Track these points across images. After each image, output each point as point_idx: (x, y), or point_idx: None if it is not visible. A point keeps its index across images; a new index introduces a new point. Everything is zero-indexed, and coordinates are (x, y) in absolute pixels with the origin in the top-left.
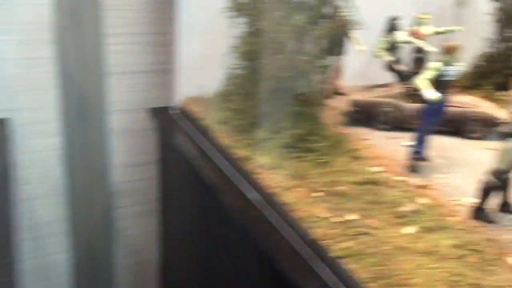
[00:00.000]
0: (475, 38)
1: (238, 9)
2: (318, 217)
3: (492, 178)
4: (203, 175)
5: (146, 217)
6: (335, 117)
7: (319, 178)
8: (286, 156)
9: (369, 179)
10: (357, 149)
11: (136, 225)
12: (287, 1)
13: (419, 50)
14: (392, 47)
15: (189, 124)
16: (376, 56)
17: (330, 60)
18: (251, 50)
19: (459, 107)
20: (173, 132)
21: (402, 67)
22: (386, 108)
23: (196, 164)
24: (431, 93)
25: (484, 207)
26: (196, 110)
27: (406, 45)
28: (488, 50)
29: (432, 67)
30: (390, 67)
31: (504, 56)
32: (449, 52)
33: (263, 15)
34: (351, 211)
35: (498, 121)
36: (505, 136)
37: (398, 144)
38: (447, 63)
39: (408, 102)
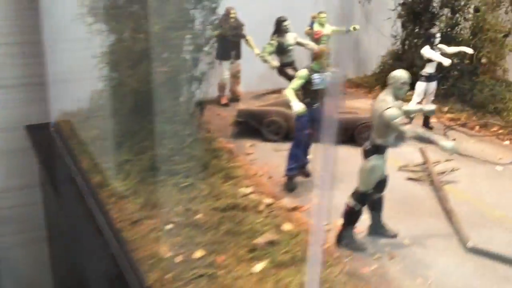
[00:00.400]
0: (382, 35)
1: (93, 14)
2: (160, 257)
3: (352, 201)
4: (73, 202)
5: (34, 245)
6: (224, 128)
7: (177, 206)
8: (146, 181)
9: (235, 204)
10: (233, 167)
11: (23, 255)
12: (144, 6)
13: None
14: (282, 50)
15: (62, 143)
16: (263, 61)
17: (209, 66)
18: (117, 61)
19: (353, 113)
20: (52, 151)
21: (291, 72)
22: (273, 118)
23: (68, 189)
24: (296, 105)
25: (349, 233)
26: (67, 127)
27: (303, 47)
28: (395, 47)
29: (299, 76)
30: (282, 72)
31: (409, 53)
32: (317, 58)
33: (122, 22)
34: (201, 246)
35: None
36: (367, 154)
37: (285, 158)
38: (315, 70)
39: None
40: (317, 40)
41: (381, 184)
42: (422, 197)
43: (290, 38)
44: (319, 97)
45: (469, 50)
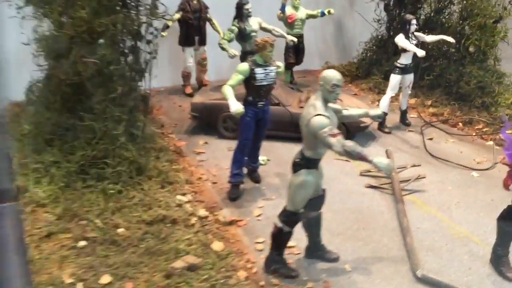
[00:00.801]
0: (365, 20)
1: None
2: (59, 282)
3: (280, 222)
4: None
5: None
6: (182, 122)
7: (98, 217)
8: (70, 187)
9: (165, 216)
10: (176, 170)
11: None
12: None
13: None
14: (244, 37)
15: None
16: (221, 49)
17: (151, 56)
18: (49, 49)
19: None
20: None
21: None
22: (229, 113)
23: None
24: (233, 104)
25: (278, 257)
26: (9, 120)
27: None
28: (378, 32)
29: (239, 70)
30: (244, 60)
31: (393, 39)
32: (260, 50)
33: (50, 4)
34: (113, 269)
35: (363, 125)
36: (295, 167)
37: None
38: (258, 64)
39: None
40: (290, 24)
41: (317, 201)
42: (379, 209)
43: (254, 23)
44: (264, 95)
45: (450, 39)
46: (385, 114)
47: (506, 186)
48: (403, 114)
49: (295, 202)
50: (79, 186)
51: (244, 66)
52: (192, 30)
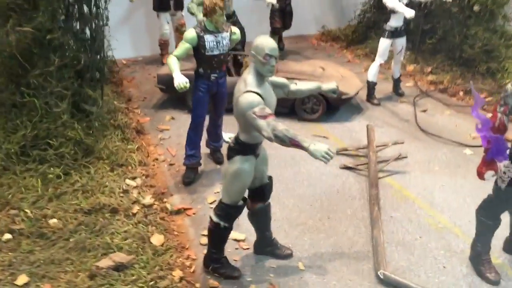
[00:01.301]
0: None
1: None
2: None
3: (215, 216)
4: None
5: None
6: (152, 94)
7: (32, 206)
8: (9, 170)
9: (105, 204)
10: (131, 150)
11: None
12: None
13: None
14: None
15: None
16: (190, 13)
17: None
18: None
19: (296, 79)
20: None
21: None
22: None
23: None
24: (177, 77)
25: (217, 255)
26: None
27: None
28: None
29: (185, 38)
30: None
31: None
32: (209, 13)
33: None
34: (33, 267)
35: (345, 97)
36: (229, 154)
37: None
38: (208, 30)
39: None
40: None
41: (262, 191)
42: (350, 194)
43: None
44: (216, 66)
45: None
46: (374, 83)
47: (480, 175)
48: (396, 83)
49: (231, 194)
50: (18, 170)
51: (191, 33)
52: None
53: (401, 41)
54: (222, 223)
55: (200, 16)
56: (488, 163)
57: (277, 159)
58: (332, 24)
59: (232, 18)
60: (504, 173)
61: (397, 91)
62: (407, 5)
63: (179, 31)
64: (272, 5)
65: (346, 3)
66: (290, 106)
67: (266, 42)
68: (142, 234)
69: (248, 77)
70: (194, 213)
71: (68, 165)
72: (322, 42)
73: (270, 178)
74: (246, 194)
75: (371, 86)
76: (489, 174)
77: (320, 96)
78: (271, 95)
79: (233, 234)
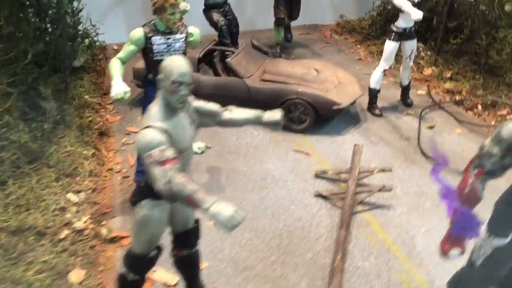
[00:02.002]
0: None
1: None
2: None
3: (123, 267)
4: None
5: None
6: (131, 90)
7: None
8: None
9: (33, 225)
10: (85, 157)
11: None
12: None
13: None
14: None
15: None
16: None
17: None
18: None
19: (284, 83)
20: None
21: (216, 16)
22: None
23: None
24: (116, 85)
25: None
26: None
27: None
28: None
29: (131, 39)
30: (206, 15)
31: None
32: (158, 11)
33: None
34: None
35: (336, 107)
36: (135, 196)
37: None
38: (158, 31)
39: (209, 70)
40: None
41: (188, 237)
42: (317, 232)
43: None
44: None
45: None
46: (377, 91)
47: (443, 251)
48: (404, 91)
49: (139, 243)
50: None
51: (138, 33)
52: None
53: (411, 44)
54: (131, 275)
55: (183, 4)
56: (453, 238)
57: (245, 179)
58: (353, 14)
59: (223, 8)
60: (481, 246)
61: (405, 100)
62: (419, 3)
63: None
64: None
65: None
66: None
67: (175, 65)
68: (61, 267)
69: (154, 108)
70: (129, 243)
71: (5, 173)
72: (336, 34)
73: (197, 221)
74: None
75: (373, 94)
76: (454, 253)
77: (309, 104)
78: (186, 129)
79: (164, 277)
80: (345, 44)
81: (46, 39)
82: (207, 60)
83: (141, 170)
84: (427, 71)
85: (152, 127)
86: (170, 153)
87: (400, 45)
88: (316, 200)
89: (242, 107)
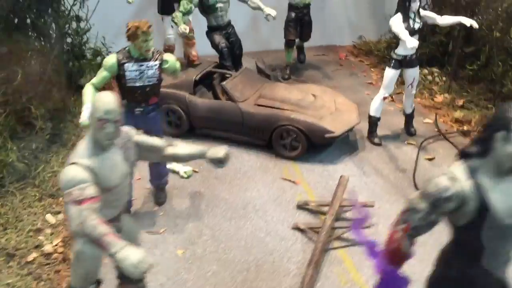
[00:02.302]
0: None
1: None
2: None
3: None
4: None
5: None
6: None
7: None
8: None
9: (5, 246)
10: None
11: None
12: None
13: None
14: (206, 8)
15: None
16: (174, 23)
17: None
18: None
19: (277, 108)
20: None
21: (217, 39)
22: (171, 105)
23: None
24: (83, 114)
25: None
26: None
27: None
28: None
29: (104, 65)
30: (208, 37)
31: (445, 11)
32: (130, 38)
33: None
34: None
35: (328, 135)
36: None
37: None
38: (132, 57)
39: (208, 93)
40: None
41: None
42: (285, 268)
43: None
44: (141, 99)
45: (471, 23)
46: (377, 119)
47: None
48: (408, 119)
49: (76, 277)
50: None
51: (111, 59)
52: None
53: (412, 72)
54: None
55: (182, 26)
56: None
57: (226, 207)
58: (372, 34)
59: (226, 30)
60: None
61: (408, 129)
62: (420, 30)
63: (185, 36)
64: (287, 15)
65: (390, 8)
66: (267, 139)
67: (102, 102)
68: None
69: (81, 145)
70: None
71: None
72: (352, 56)
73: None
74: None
75: (373, 122)
76: None
77: (301, 132)
78: (116, 166)
79: None
80: (359, 67)
81: (42, 59)
82: (208, 82)
83: None
84: (439, 98)
85: (76, 164)
86: (90, 192)
87: (402, 72)
88: (293, 232)
89: (236, 131)
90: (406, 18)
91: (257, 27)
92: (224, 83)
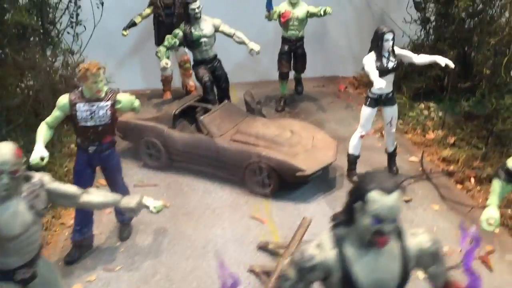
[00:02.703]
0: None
1: None
2: None
3: None
4: None
5: None
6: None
7: None
8: None
9: None
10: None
11: None
12: None
13: None
14: (191, 43)
15: None
16: (157, 57)
17: None
18: None
19: (252, 144)
20: None
21: (201, 72)
22: (151, 138)
23: None
24: (34, 152)
25: None
26: None
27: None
28: (412, 37)
29: (57, 105)
30: (194, 71)
31: (442, 45)
32: (81, 80)
33: None
34: None
35: (300, 174)
36: None
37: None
38: (85, 98)
39: (190, 126)
40: (284, 25)
41: None
42: None
43: (206, 26)
44: (93, 138)
45: (447, 62)
46: (355, 157)
47: None
48: (389, 158)
49: None
50: None
51: (63, 99)
52: (164, 28)
53: (390, 111)
54: None
55: (164, 60)
56: None
57: (187, 245)
58: None
59: (211, 64)
60: None
61: (390, 167)
62: (395, 68)
63: (182, 67)
64: (280, 47)
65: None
66: (241, 175)
67: None
68: None
69: None
70: None
71: None
72: (353, 88)
73: None
74: None
75: (351, 160)
76: None
77: (272, 169)
78: (17, 216)
79: None
80: (356, 99)
81: (24, 93)
82: (193, 115)
83: (76, 230)
84: (431, 135)
85: None
86: None
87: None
88: (248, 275)
89: (212, 166)
90: (379, 57)
91: (257, 58)
92: (201, 117)
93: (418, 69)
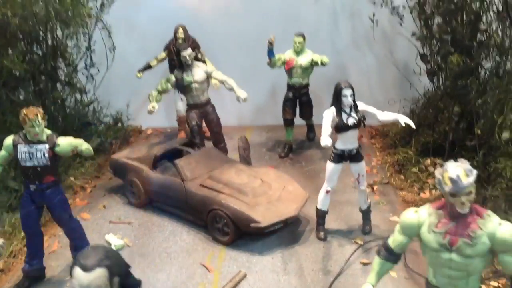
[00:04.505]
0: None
1: None
2: None
3: None
4: None
5: None
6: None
7: None
8: None
9: None
10: (20, 238)
11: None
12: None
13: None
14: (182, 88)
15: None
16: (149, 100)
17: None
18: None
19: (216, 191)
20: None
21: (190, 116)
22: (132, 177)
23: None
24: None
25: None
26: None
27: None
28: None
29: (3, 144)
30: (187, 114)
31: (438, 104)
32: (22, 123)
33: None
34: None
35: (255, 226)
36: None
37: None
38: (26, 140)
39: (172, 168)
40: (288, 72)
41: None
42: None
43: (198, 72)
44: (33, 177)
45: (408, 122)
46: (323, 212)
47: None
48: (364, 216)
49: None
50: None
51: (7, 140)
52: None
53: (356, 167)
54: None
55: (151, 105)
56: None
57: (144, 256)
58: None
59: (204, 108)
60: None
61: (363, 226)
62: (356, 125)
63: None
64: (285, 94)
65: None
66: (204, 221)
67: None
68: None
69: None
70: None
71: None
72: (368, 137)
73: None
74: None
75: (318, 215)
76: None
77: (229, 218)
78: None
79: None
80: (366, 150)
81: None
82: (177, 158)
83: (28, 261)
84: (426, 194)
85: None
86: None
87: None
88: None
89: (181, 209)
90: (339, 113)
91: (275, 101)
92: (177, 160)
93: (428, 122)
